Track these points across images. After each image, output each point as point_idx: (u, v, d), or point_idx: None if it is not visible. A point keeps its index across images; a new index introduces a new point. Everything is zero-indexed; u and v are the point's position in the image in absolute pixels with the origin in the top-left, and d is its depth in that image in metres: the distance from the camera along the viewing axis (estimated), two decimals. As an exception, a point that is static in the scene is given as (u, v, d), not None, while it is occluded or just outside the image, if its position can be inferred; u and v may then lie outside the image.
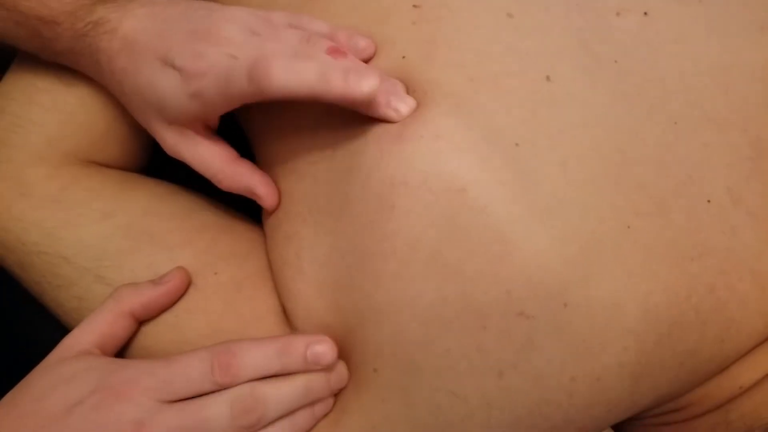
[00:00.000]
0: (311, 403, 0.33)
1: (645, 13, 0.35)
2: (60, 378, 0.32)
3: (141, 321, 0.35)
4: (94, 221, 0.37)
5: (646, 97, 0.33)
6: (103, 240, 0.36)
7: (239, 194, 0.37)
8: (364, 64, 0.33)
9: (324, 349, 0.32)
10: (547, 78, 0.33)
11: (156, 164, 0.43)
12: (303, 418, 0.33)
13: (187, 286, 0.36)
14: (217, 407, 0.31)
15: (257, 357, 0.32)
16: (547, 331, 0.30)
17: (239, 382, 0.31)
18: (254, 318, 0.36)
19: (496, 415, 0.31)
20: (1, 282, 0.42)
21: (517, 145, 0.31)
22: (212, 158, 0.35)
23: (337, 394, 0.34)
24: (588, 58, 0.33)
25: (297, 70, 0.30)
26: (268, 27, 0.34)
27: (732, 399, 0.34)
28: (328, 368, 0.33)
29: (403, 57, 0.34)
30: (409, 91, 0.33)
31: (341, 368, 0.34)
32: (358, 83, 0.30)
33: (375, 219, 0.32)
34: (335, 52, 0.32)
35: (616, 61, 0.33)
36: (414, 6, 0.35)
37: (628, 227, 0.31)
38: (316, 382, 0.33)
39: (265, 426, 0.32)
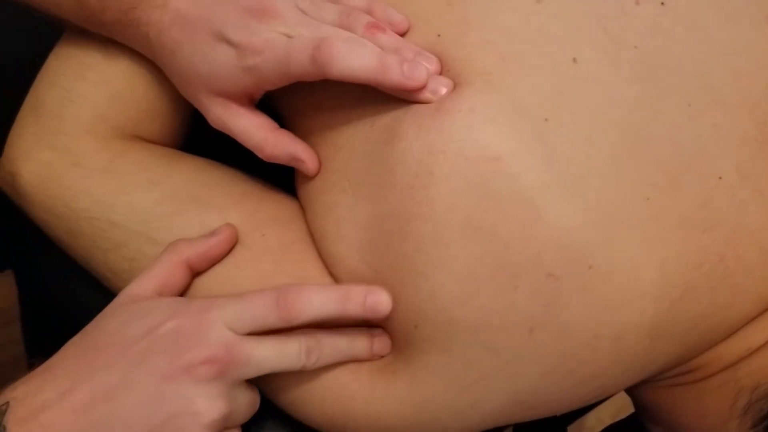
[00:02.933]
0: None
1: (662, 3, 0.37)
2: (133, 314, 0.34)
3: (195, 273, 0.37)
4: (143, 189, 0.39)
5: (662, 81, 0.36)
6: (152, 204, 0.38)
7: (278, 164, 0.39)
8: (412, 47, 0.35)
9: (382, 298, 0.35)
10: (574, 60, 0.35)
11: (190, 143, 0.45)
12: None
13: (236, 239, 0.38)
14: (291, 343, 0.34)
15: (320, 298, 0.34)
16: (574, 291, 0.33)
17: (302, 320, 0.34)
18: (302, 279, 0.38)
19: (526, 368, 0.34)
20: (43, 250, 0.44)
21: (546, 120, 0.34)
22: (256, 128, 0.38)
23: None
24: (610, 43, 0.36)
25: (359, 56, 0.33)
26: (311, 3, 0.36)
27: (741, 359, 0.36)
28: (381, 317, 0.35)
29: (438, 35, 0.36)
30: (444, 67, 0.36)
31: (386, 338, 0.37)
32: (412, 75, 0.34)
33: (414, 185, 0.34)
34: (374, 27, 0.35)
35: (635, 47, 0.36)
36: None
37: (647, 199, 0.34)
38: (361, 343, 0.36)
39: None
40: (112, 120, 0.41)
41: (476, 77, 0.35)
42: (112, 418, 0.31)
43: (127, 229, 0.38)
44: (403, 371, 0.36)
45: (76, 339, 0.35)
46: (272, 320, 0.34)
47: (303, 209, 0.41)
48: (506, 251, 0.33)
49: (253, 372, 0.34)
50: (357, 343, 0.36)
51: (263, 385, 0.38)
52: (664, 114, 0.35)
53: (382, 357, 0.37)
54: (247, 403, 0.35)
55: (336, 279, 0.38)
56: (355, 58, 0.33)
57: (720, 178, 0.35)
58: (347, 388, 0.36)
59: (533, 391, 0.34)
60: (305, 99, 0.40)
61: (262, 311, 0.34)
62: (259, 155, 0.38)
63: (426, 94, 0.35)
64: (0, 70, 0.50)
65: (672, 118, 0.35)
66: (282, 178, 0.43)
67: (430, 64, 0.35)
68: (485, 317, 0.33)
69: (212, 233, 0.37)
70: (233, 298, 0.35)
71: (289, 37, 0.34)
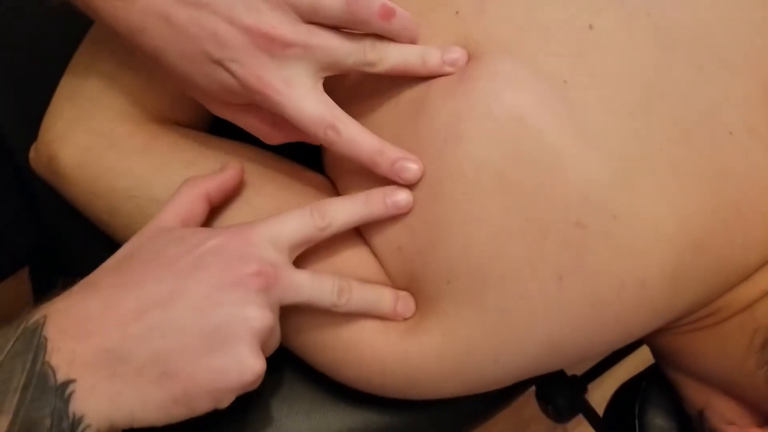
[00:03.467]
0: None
1: None
2: (168, 239, 0.35)
3: (212, 206, 0.39)
4: (180, 168, 0.41)
5: (675, 46, 0.38)
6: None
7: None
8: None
9: (402, 196, 0.37)
10: (590, 27, 0.37)
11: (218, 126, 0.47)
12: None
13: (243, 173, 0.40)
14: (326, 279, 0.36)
15: (346, 205, 0.37)
16: (600, 239, 0.35)
17: (335, 226, 0.37)
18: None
19: (557, 314, 0.36)
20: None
21: (565, 82, 0.36)
22: (260, 123, 0.39)
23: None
24: (624, 11, 0.38)
25: (407, 52, 0.37)
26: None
27: (756, 300, 0.38)
28: (404, 211, 0.38)
29: (457, 12, 0.39)
30: (464, 42, 0.38)
31: (410, 300, 0.39)
32: (449, 65, 0.37)
33: (443, 147, 0.36)
34: (386, 14, 0.36)
35: (648, 14, 0.38)
36: None
37: (661, 150, 0.36)
38: (387, 297, 0.38)
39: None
40: (147, 105, 0.43)
41: (495, 47, 0.37)
42: (165, 323, 0.32)
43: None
44: (436, 327, 0.37)
45: (110, 262, 0.35)
46: (310, 230, 0.36)
47: (333, 186, 0.43)
48: (535, 204, 0.35)
49: (292, 296, 0.35)
50: (383, 297, 0.38)
51: (305, 350, 0.40)
52: (677, 75, 0.37)
53: (405, 319, 0.39)
54: (278, 333, 0.36)
55: (366, 234, 0.40)
56: (403, 59, 0.37)
57: (730, 133, 0.37)
58: (380, 351, 0.38)
59: (565, 335, 0.36)
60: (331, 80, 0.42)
61: (299, 223, 0.36)
62: (269, 143, 0.40)
63: (447, 68, 0.37)
64: (30, 56, 0.52)
65: (685, 78, 0.37)
66: (310, 158, 0.45)
67: (460, 54, 0.37)
68: (517, 267, 0.35)
69: (223, 167, 0.39)
70: (270, 217, 0.36)
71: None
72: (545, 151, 0.35)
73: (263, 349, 0.34)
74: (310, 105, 0.36)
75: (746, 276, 0.39)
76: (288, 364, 0.44)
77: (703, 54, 0.38)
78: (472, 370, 0.37)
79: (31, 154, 0.44)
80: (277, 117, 0.38)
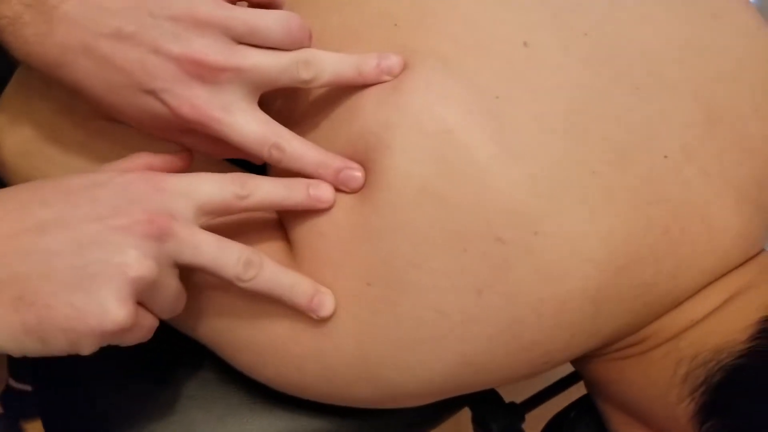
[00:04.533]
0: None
1: None
2: (82, 173, 0.34)
3: None
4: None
5: (612, 66, 0.38)
6: None
7: None
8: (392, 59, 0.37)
9: (326, 192, 0.37)
10: (525, 44, 0.37)
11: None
12: None
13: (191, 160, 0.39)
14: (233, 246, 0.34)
15: (271, 183, 0.36)
16: (520, 256, 0.34)
17: (255, 198, 0.35)
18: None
19: (474, 330, 0.35)
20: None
21: (497, 97, 0.36)
22: (201, 143, 0.38)
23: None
24: (562, 30, 0.38)
25: (342, 65, 0.37)
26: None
27: (684, 330, 0.38)
28: (325, 206, 0.37)
29: (395, 24, 0.39)
30: (402, 51, 0.38)
31: (328, 298, 0.37)
32: (385, 73, 0.37)
33: (373, 157, 0.36)
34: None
35: (586, 34, 0.38)
36: None
37: (593, 172, 0.36)
38: (304, 288, 0.36)
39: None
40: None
41: (431, 58, 0.37)
42: (35, 248, 0.30)
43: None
44: (351, 330, 0.37)
45: (13, 188, 0.34)
46: (227, 196, 0.35)
47: None
48: (457, 217, 0.34)
49: (189, 255, 0.33)
50: (300, 285, 0.36)
51: (220, 344, 0.39)
52: (613, 96, 0.37)
53: (318, 317, 0.36)
54: (173, 291, 0.34)
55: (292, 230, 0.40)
56: (341, 68, 0.37)
57: (665, 156, 0.37)
58: (296, 350, 0.37)
59: (481, 353, 0.36)
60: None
61: (218, 185, 0.34)
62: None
63: (383, 77, 0.37)
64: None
65: (620, 99, 0.37)
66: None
67: (395, 61, 0.37)
68: (436, 279, 0.35)
69: (176, 152, 0.38)
70: (190, 173, 0.35)
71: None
72: (470, 165, 0.35)
73: (149, 305, 0.33)
74: (250, 127, 0.36)
75: (675, 304, 0.38)
76: (203, 361, 0.43)
77: (640, 74, 0.38)
78: (385, 379, 0.37)
79: None
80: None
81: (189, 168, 0.38)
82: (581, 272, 0.35)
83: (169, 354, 0.43)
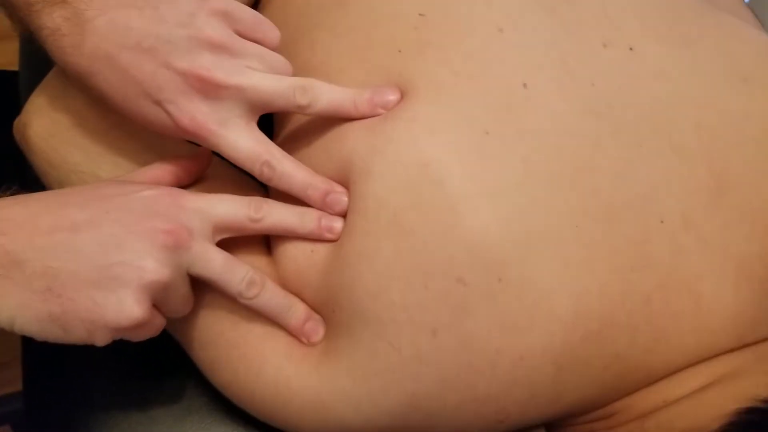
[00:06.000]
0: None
1: (630, 48, 0.39)
2: (113, 182, 0.39)
3: (179, 185, 0.41)
4: (131, 153, 0.43)
5: (615, 119, 0.37)
6: (137, 167, 0.42)
7: None
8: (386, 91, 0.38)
9: (338, 225, 0.38)
10: (524, 85, 0.37)
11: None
12: None
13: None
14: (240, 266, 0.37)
15: (285, 210, 0.38)
16: (480, 301, 0.33)
17: (267, 222, 0.38)
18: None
19: (426, 370, 0.34)
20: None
21: (486, 133, 0.35)
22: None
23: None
24: (566, 76, 0.37)
25: (338, 96, 0.38)
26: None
27: (654, 410, 0.35)
28: (334, 238, 0.38)
29: (399, 51, 0.39)
30: (399, 78, 0.38)
31: (320, 325, 0.38)
32: (380, 107, 0.38)
33: (355, 181, 0.37)
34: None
35: (593, 84, 0.37)
36: (420, 14, 0.40)
37: (576, 226, 0.34)
38: (299, 312, 0.38)
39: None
40: None
41: (426, 87, 0.37)
42: (67, 246, 0.33)
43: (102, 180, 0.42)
44: (313, 354, 0.37)
45: (54, 192, 0.38)
46: (241, 218, 0.38)
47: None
48: (422, 252, 0.34)
49: (200, 267, 0.36)
50: (296, 308, 0.38)
51: (189, 340, 0.40)
52: (611, 150, 0.36)
53: (309, 342, 0.38)
54: (183, 295, 0.37)
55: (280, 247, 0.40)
56: (336, 101, 0.38)
57: (662, 221, 0.35)
58: (263, 356, 0.38)
59: (432, 397, 0.35)
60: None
61: (233, 207, 0.38)
62: None
63: (377, 110, 0.38)
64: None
65: (620, 154, 0.36)
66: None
67: (391, 95, 0.38)
68: (393, 313, 0.34)
69: (195, 153, 0.42)
70: (209, 193, 0.38)
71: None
72: (442, 199, 0.34)
73: (161, 306, 0.36)
74: (244, 144, 0.38)
75: (648, 382, 0.36)
76: (170, 361, 0.44)
77: (646, 132, 0.37)
78: (333, 411, 0.36)
79: (15, 122, 0.48)
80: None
81: (208, 167, 0.42)
82: (544, 328, 0.33)
83: (138, 348, 0.44)
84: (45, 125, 0.44)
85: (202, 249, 0.36)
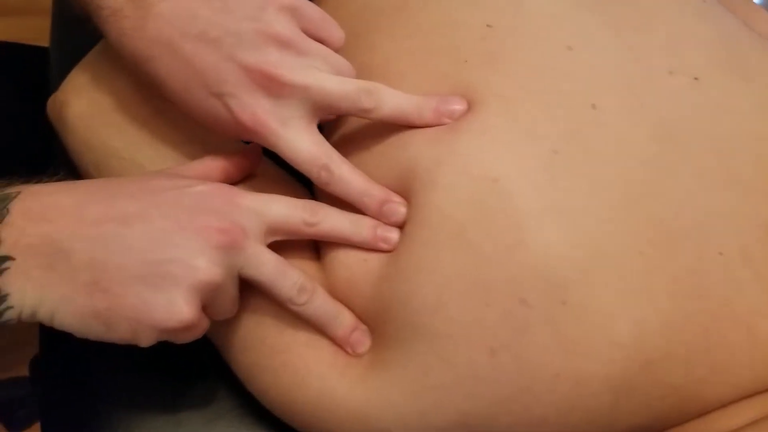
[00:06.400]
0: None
1: (695, 78, 0.38)
2: (162, 175, 0.37)
3: (229, 182, 0.39)
4: (172, 145, 0.41)
5: (680, 148, 0.36)
6: (179, 157, 0.41)
7: None
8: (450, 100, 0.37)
9: (394, 236, 0.37)
10: (593, 106, 0.36)
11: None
12: None
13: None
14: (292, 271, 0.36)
15: (341, 215, 0.37)
16: (542, 323, 0.32)
17: (323, 227, 0.37)
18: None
19: (480, 389, 0.33)
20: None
21: (555, 152, 0.35)
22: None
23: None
24: (634, 100, 0.37)
25: (403, 102, 0.37)
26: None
27: None
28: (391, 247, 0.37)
29: (465, 61, 0.38)
30: (466, 89, 0.37)
31: (366, 336, 0.37)
32: (445, 117, 0.37)
33: (417, 191, 0.36)
34: None
35: (658, 110, 0.37)
36: (487, 25, 0.39)
37: (640, 253, 0.34)
38: (346, 321, 0.37)
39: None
40: None
41: (494, 100, 0.36)
42: (116, 238, 0.32)
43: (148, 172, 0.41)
44: (360, 365, 0.36)
45: (101, 180, 0.36)
46: (296, 221, 0.36)
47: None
48: (486, 268, 0.33)
49: (252, 269, 0.34)
50: (343, 317, 0.37)
51: (228, 344, 0.39)
52: (676, 179, 0.35)
53: (354, 352, 0.37)
54: (232, 298, 0.35)
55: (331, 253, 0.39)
56: (400, 103, 0.37)
57: (720, 253, 0.35)
58: (306, 363, 0.37)
59: (484, 417, 0.34)
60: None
61: (289, 209, 0.36)
62: None
63: (443, 120, 0.37)
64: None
65: (684, 184, 0.35)
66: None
67: (458, 105, 0.37)
68: (450, 328, 0.33)
69: (244, 149, 0.40)
70: (264, 193, 0.37)
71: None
72: (509, 216, 0.33)
73: (210, 309, 0.34)
74: (304, 145, 0.37)
75: (701, 411, 0.35)
76: (201, 362, 0.42)
77: (709, 163, 0.36)
78: (378, 427, 0.35)
79: (50, 100, 0.46)
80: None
81: (258, 165, 0.40)
82: (605, 355, 0.33)
83: (167, 348, 0.43)
84: (85, 106, 0.43)
85: (256, 251, 0.35)
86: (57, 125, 0.45)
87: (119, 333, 0.32)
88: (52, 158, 0.54)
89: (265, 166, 0.43)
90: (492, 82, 0.37)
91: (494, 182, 0.34)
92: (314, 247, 0.41)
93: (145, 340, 0.32)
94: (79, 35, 0.54)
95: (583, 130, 0.35)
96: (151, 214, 0.33)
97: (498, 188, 0.34)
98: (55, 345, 0.48)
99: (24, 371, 0.84)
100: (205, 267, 0.32)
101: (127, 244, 0.32)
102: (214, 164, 0.39)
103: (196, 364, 0.43)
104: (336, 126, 0.42)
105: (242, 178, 0.41)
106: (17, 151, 0.54)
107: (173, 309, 0.31)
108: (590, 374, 0.33)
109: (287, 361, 0.37)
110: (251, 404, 0.41)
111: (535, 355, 0.33)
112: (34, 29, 0.71)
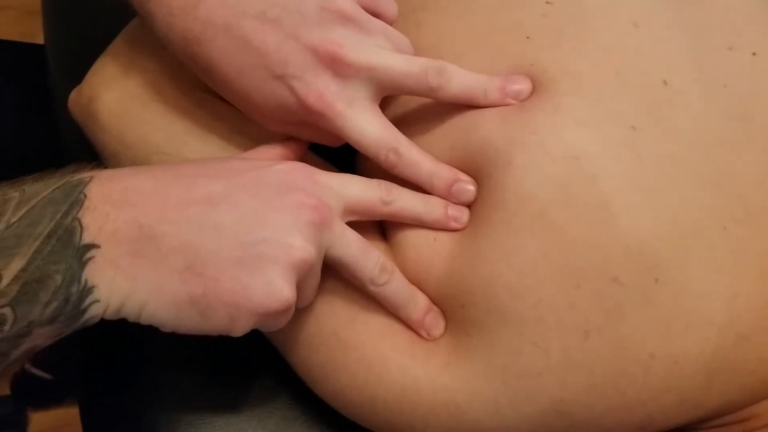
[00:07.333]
0: None
1: (754, 53, 0.38)
2: (234, 158, 0.35)
3: None
4: (219, 137, 0.39)
5: (748, 123, 0.36)
6: (228, 148, 0.39)
7: None
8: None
9: (464, 214, 0.36)
10: (664, 82, 0.35)
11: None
12: None
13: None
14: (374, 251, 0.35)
15: (411, 195, 0.36)
16: (636, 302, 0.32)
17: (397, 207, 0.35)
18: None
19: (574, 375, 0.32)
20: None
21: (634, 128, 0.34)
22: (319, 134, 0.38)
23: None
24: (702, 76, 0.36)
25: (470, 81, 0.35)
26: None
27: None
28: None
29: (528, 37, 0.37)
30: (530, 67, 0.36)
31: (441, 317, 0.36)
32: (511, 98, 0.36)
33: (490, 172, 0.34)
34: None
35: (725, 86, 0.36)
36: (546, 2, 0.38)
37: (724, 228, 0.33)
38: (420, 303, 0.36)
39: None
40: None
41: (564, 78, 0.35)
42: (207, 220, 0.30)
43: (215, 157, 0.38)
44: (440, 353, 0.35)
45: (172, 164, 0.34)
46: (373, 199, 0.35)
47: None
48: (573, 250, 0.32)
49: (339, 248, 0.33)
50: (418, 299, 0.36)
51: (297, 343, 0.37)
52: (749, 153, 0.35)
53: (429, 335, 0.35)
54: (317, 280, 0.34)
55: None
56: (469, 83, 0.36)
57: None
58: (384, 356, 0.35)
59: (578, 404, 0.33)
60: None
61: (365, 188, 0.35)
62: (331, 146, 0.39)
63: (508, 100, 0.36)
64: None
65: (756, 158, 0.35)
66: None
67: (524, 85, 0.36)
68: (540, 313, 0.32)
69: (290, 139, 0.38)
70: (342, 173, 0.36)
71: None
72: (595, 195, 0.32)
73: (298, 292, 0.32)
74: (371, 127, 0.35)
75: None
76: (262, 366, 0.41)
77: None
78: (468, 417, 0.34)
79: (73, 94, 0.43)
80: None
81: (306, 151, 0.38)
82: (699, 333, 0.32)
83: (227, 349, 0.40)
84: (118, 100, 0.40)
85: (342, 229, 0.33)
86: (85, 122, 0.42)
87: (215, 321, 0.30)
88: (61, 160, 0.51)
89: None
90: (560, 60, 0.36)
91: (575, 160, 0.33)
92: (380, 230, 0.39)
93: (242, 328, 0.30)
94: (76, 30, 0.51)
95: (658, 107, 0.35)
96: (237, 193, 0.31)
97: (580, 166, 0.33)
98: (96, 350, 0.45)
99: (5, 390, 0.79)
100: (300, 245, 0.30)
101: (218, 226, 0.30)
102: (273, 151, 0.37)
103: (243, 360, 0.41)
104: (389, 106, 0.40)
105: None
106: (22, 155, 0.50)
107: (273, 290, 0.30)
108: (685, 353, 0.32)
109: (363, 356, 0.35)
110: (302, 403, 0.39)
111: (629, 337, 0.32)
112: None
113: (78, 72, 0.42)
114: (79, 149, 0.46)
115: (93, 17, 0.54)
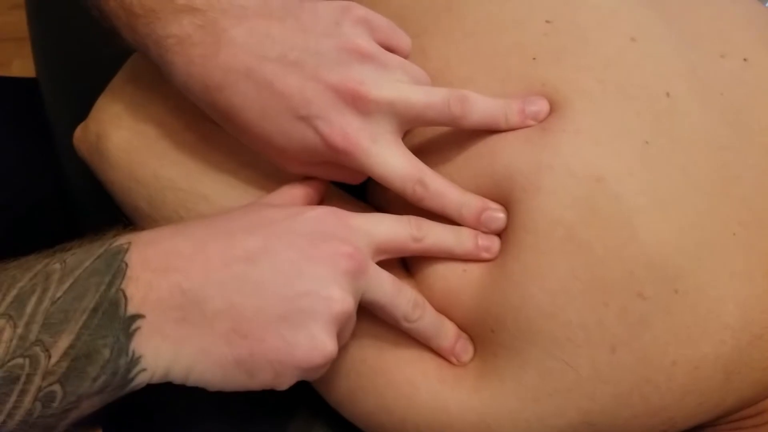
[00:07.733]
0: None
1: (745, 59, 0.40)
2: (265, 206, 0.35)
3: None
4: (233, 169, 0.39)
5: (745, 128, 0.37)
6: (245, 182, 0.39)
7: None
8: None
9: (495, 244, 0.36)
10: (667, 94, 0.37)
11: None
12: None
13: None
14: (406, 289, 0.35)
15: (441, 228, 0.36)
16: (659, 313, 0.33)
17: (428, 243, 0.36)
18: None
19: (601, 388, 0.33)
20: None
21: (646, 143, 0.35)
22: (340, 172, 0.38)
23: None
24: (699, 86, 0.38)
25: (491, 107, 0.36)
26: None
27: None
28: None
29: (534, 59, 0.38)
30: (542, 87, 0.37)
31: (469, 344, 0.37)
32: (530, 119, 0.36)
33: (518, 197, 0.35)
34: None
35: (722, 93, 0.38)
36: (546, 21, 0.39)
37: (734, 234, 0.35)
38: (450, 333, 0.36)
39: None
40: None
41: (575, 96, 0.36)
42: (248, 279, 0.30)
43: (219, 205, 0.38)
44: (470, 374, 0.35)
45: (205, 219, 0.34)
46: (403, 237, 0.35)
47: None
48: (600, 268, 0.33)
49: (374, 292, 0.33)
50: (447, 328, 0.36)
51: (330, 377, 0.37)
52: (748, 156, 0.37)
53: (459, 362, 0.36)
54: (352, 327, 0.34)
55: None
56: (489, 112, 0.36)
57: None
58: (413, 381, 0.36)
59: (605, 414, 0.34)
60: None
61: (395, 226, 0.35)
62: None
63: (528, 122, 0.36)
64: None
65: (756, 160, 0.37)
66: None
67: (542, 106, 0.36)
68: (570, 332, 0.33)
69: (309, 179, 0.39)
70: (367, 213, 0.36)
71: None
72: (620, 214, 0.33)
73: (342, 334, 0.33)
74: (397, 161, 0.35)
75: None
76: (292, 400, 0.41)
77: None
78: (498, 431, 0.35)
79: (78, 131, 0.43)
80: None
81: (327, 186, 0.38)
82: (716, 337, 0.34)
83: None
84: (127, 137, 0.40)
85: (376, 272, 0.33)
86: (92, 159, 0.42)
87: (261, 379, 0.30)
88: (64, 198, 0.51)
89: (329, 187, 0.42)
90: (569, 79, 0.37)
91: (599, 181, 0.34)
92: (403, 264, 0.40)
93: (286, 383, 0.31)
94: (69, 65, 0.51)
95: (663, 119, 0.36)
96: (274, 246, 0.31)
97: (603, 187, 0.34)
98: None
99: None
100: (339, 296, 0.31)
101: (260, 283, 0.30)
102: (297, 191, 0.37)
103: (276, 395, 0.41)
104: (406, 137, 0.41)
105: (320, 201, 0.39)
106: (23, 191, 0.50)
107: (317, 345, 0.30)
108: (704, 358, 0.34)
109: (391, 381, 0.36)
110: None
111: (653, 347, 0.33)
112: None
113: (73, 103, 0.42)
114: (82, 184, 0.46)
115: (85, 49, 0.53)
